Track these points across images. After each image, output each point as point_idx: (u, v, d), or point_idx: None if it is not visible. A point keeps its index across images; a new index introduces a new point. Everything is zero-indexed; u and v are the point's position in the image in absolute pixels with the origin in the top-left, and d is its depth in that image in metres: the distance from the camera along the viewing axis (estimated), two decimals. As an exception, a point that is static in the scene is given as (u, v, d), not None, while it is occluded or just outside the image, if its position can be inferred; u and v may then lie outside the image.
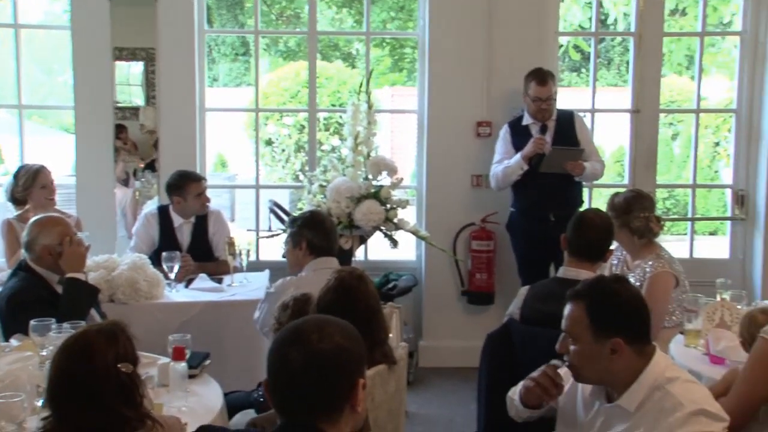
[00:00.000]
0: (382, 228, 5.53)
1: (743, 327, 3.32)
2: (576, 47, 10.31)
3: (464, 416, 5.16)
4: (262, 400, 3.62)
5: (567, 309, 2.62)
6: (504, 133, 5.83)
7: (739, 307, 3.89)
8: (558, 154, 5.54)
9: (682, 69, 12.36)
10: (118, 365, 2.29)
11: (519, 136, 5.73)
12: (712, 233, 11.18)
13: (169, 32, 6.02)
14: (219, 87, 14.63)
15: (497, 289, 6.16)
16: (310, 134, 6.58)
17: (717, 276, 4.40)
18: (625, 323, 2.54)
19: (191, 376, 3.30)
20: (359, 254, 5.92)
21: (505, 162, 5.71)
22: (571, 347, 2.57)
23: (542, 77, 5.63)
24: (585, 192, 6.07)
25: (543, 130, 5.69)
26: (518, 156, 5.62)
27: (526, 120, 5.75)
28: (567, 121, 5.78)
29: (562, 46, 10.61)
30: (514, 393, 2.86)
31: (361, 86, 5.79)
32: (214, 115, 6.91)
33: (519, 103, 5.86)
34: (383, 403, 3.21)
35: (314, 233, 4.15)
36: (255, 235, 6.53)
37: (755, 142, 6.31)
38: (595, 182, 6.13)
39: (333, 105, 11.59)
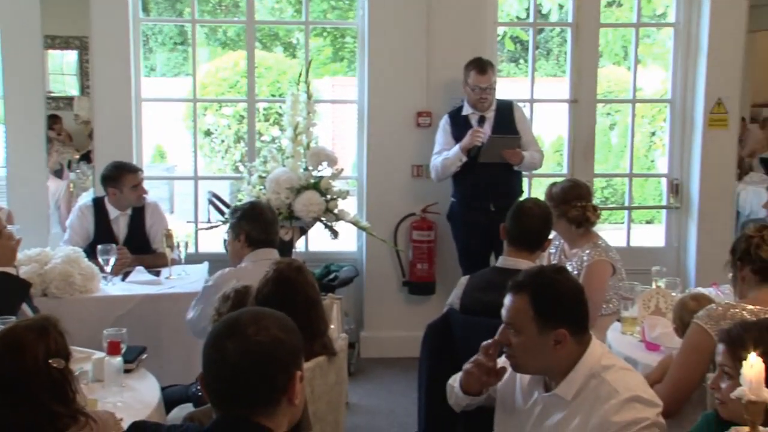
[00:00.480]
0: (323, 219, 5.50)
1: (676, 314, 3.38)
2: (514, 38, 10.37)
3: (406, 406, 5.17)
4: (200, 394, 3.57)
5: (508, 300, 2.60)
6: (444, 123, 5.84)
7: (673, 294, 3.95)
8: (496, 142, 5.56)
9: (620, 60, 12.52)
10: (49, 361, 2.23)
11: (459, 126, 5.75)
12: (649, 222, 11.36)
13: (102, 21, 5.89)
14: (157, 77, 14.40)
15: (438, 279, 6.17)
16: (249, 125, 6.51)
17: (653, 264, 4.47)
18: (569, 314, 2.55)
19: (127, 371, 3.25)
20: (300, 245, 5.89)
21: (444, 153, 5.72)
22: (513, 339, 2.57)
23: (482, 66, 5.65)
24: (525, 182, 6.11)
25: (482, 121, 5.72)
26: (457, 148, 5.63)
27: (466, 110, 5.77)
28: (506, 111, 5.81)
29: (499, 36, 10.70)
30: (455, 380, 2.86)
31: (300, 76, 5.74)
32: (152, 106, 6.79)
33: (459, 93, 5.87)
34: (323, 394, 3.19)
35: (252, 225, 4.12)
36: (194, 226, 6.45)
37: (689, 131, 6.42)
38: (535, 172, 6.19)
39: (273, 95, 11.49)
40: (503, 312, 2.61)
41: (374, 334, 6.26)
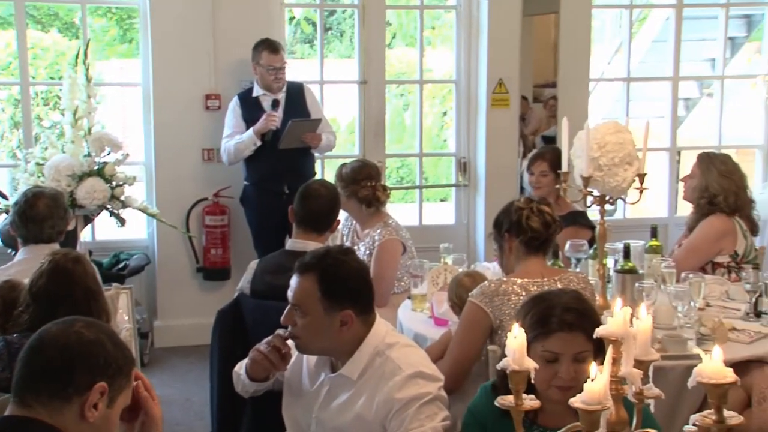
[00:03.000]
0: (108, 206, 5.27)
1: (451, 291, 3.48)
2: (308, 19, 10.37)
3: (202, 395, 5.05)
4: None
5: (295, 281, 2.59)
6: (234, 105, 5.74)
7: (460, 269, 4.07)
8: (296, 126, 5.54)
9: (413, 42, 12.78)
10: None
11: (249, 108, 5.68)
12: (444, 200, 11.72)
13: None
14: None
15: (233, 263, 6.08)
16: (24, 109, 6.17)
17: (445, 241, 4.59)
18: (355, 295, 2.57)
19: None
20: (86, 235, 5.63)
21: (237, 137, 5.63)
22: (299, 320, 2.56)
23: (274, 46, 5.61)
24: (318, 163, 6.13)
25: (275, 104, 5.66)
26: (251, 132, 5.57)
27: (257, 92, 5.70)
28: (297, 94, 5.79)
29: (294, 18, 10.65)
30: (241, 368, 2.81)
31: (77, 57, 5.45)
32: None
33: (248, 76, 5.80)
34: (106, 390, 3.06)
35: (21, 221, 3.87)
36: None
37: (474, 111, 6.64)
38: (327, 153, 6.20)
39: (52, 78, 10.91)
40: (289, 293, 2.60)
41: (169, 323, 6.11)
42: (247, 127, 5.65)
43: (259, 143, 5.57)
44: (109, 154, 5.30)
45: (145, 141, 6.22)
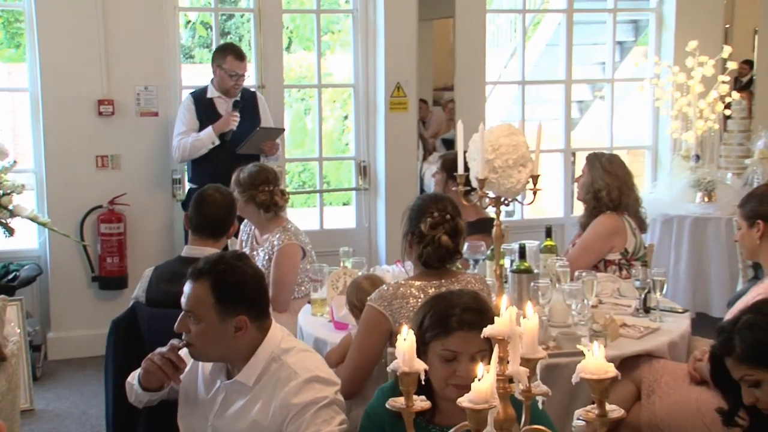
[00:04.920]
0: (-4, 216, 5.09)
1: (350, 294, 3.46)
2: (204, 23, 10.23)
3: (98, 407, 4.91)
4: None
5: (188, 287, 2.56)
6: (188, 103, 5.70)
7: (359, 273, 4.07)
8: (262, 133, 5.58)
9: (311, 46, 12.76)
10: None
11: (204, 108, 5.65)
12: (346, 204, 11.72)
13: None
14: None
15: (130, 272, 5.95)
16: None
17: (347, 245, 4.59)
18: (250, 301, 2.54)
19: None
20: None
21: (193, 134, 5.59)
22: (193, 326, 2.52)
23: (240, 53, 5.65)
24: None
25: (236, 105, 5.64)
26: (210, 130, 5.55)
27: (212, 93, 5.69)
28: (250, 100, 5.81)
29: (190, 21, 10.49)
30: (133, 378, 2.75)
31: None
32: None
33: (142, 80, 5.70)
34: (-7, 406, 2.96)
35: None
36: None
37: (372, 115, 6.67)
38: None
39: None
40: (183, 299, 2.56)
41: (63, 334, 5.95)
42: (201, 127, 5.59)
43: (217, 142, 5.55)
44: (-5, 162, 5.12)
45: (35, 148, 6.04)
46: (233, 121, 5.58)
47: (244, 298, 2.53)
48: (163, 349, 2.61)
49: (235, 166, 5.48)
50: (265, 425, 2.47)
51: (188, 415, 2.69)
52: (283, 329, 2.66)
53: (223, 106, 5.68)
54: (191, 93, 5.80)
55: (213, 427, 2.60)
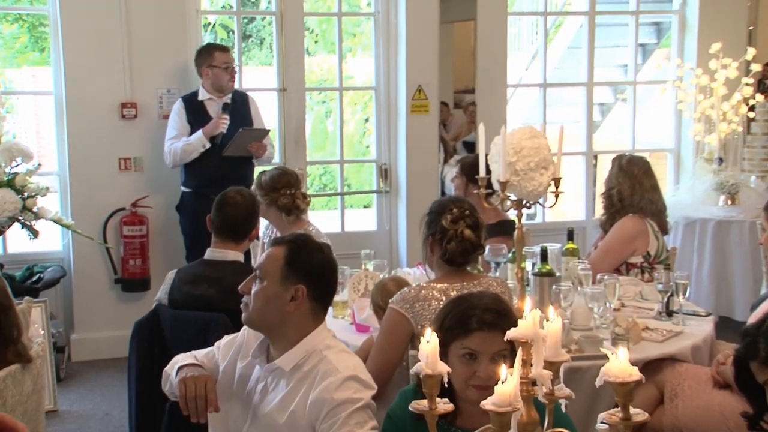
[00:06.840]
0: (20, 218, 5.12)
1: (376, 296, 3.48)
2: (224, 26, 10.27)
3: (121, 408, 4.95)
4: None
5: (266, 251, 2.62)
6: (179, 108, 5.69)
7: (381, 276, 4.08)
8: (245, 135, 5.54)
9: (335, 48, 12.76)
10: None
11: (194, 112, 5.65)
12: (367, 206, 11.73)
13: None
14: None
15: (153, 274, 5.99)
16: (-77, 119, 5.93)
17: (368, 247, 4.60)
18: (314, 275, 2.56)
19: None
20: (-3, 247, 5.48)
21: (183, 139, 5.59)
22: (255, 287, 2.55)
23: (223, 46, 5.69)
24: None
25: (225, 108, 5.63)
26: (200, 133, 5.55)
27: (203, 95, 5.68)
28: (242, 102, 5.80)
29: (210, 24, 10.54)
30: (173, 368, 2.72)
31: (-16, 65, 5.31)
32: None
33: (165, 84, 5.73)
34: (17, 405, 2.98)
35: None
36: None
37: (394, 117, 6.67)
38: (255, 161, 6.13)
39: (-43, 87, 10.62)
40: (257, 261, 2.63)
41: (86, 336, 5.98)
42: (192, 131, 5.60)
43: (208, 145, 5.54)
44: (20, 164, 5.16)
45: (59, 151, 6.08)
46: (222, 123, 5.56)
47: (310, 270, 2.55)
48: (210, 381, 2.56)
49: (228, 169, 5.54)
50: (301, 417, 2.46)
51: (226, 406, 2.66)
52: (331, 331, 2.67)
53: (215, 108, 5.67)
54: (182, 97, 5.79)
55: (253, 417, 2.59)
